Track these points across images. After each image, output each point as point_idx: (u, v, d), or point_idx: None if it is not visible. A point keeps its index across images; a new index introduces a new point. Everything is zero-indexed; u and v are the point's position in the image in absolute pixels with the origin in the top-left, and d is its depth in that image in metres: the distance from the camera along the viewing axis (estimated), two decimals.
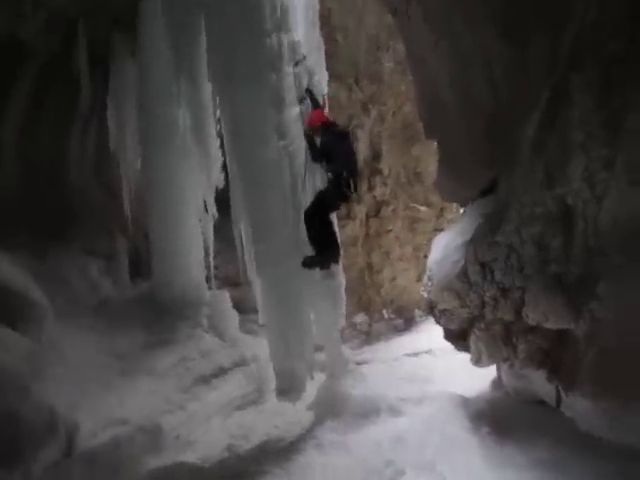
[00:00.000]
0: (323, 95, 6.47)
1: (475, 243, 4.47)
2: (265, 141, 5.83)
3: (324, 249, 5.82)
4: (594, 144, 3.32)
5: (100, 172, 8.81)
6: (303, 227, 5.80)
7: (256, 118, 5.85)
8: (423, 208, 11.19)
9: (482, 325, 4.64)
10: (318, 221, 5.81)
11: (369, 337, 10.74)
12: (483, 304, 4.50)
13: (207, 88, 6.63)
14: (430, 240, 10.60)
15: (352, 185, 5.79)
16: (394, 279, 11.11)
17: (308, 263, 5.78)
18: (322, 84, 6.52)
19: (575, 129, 3.44)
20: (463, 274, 4.55)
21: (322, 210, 5.88)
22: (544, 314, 3.99)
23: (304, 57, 6.29)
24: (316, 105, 6.16)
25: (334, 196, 5.86)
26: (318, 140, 5.97)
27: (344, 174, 5.75)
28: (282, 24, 6.18)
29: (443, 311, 4.93)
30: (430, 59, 6.23)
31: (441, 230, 10.89)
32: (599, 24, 3.30)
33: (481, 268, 4.39)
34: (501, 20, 4.70)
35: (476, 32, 5.22)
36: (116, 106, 8.32)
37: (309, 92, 6.18)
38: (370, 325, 10.90)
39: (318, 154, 5.88)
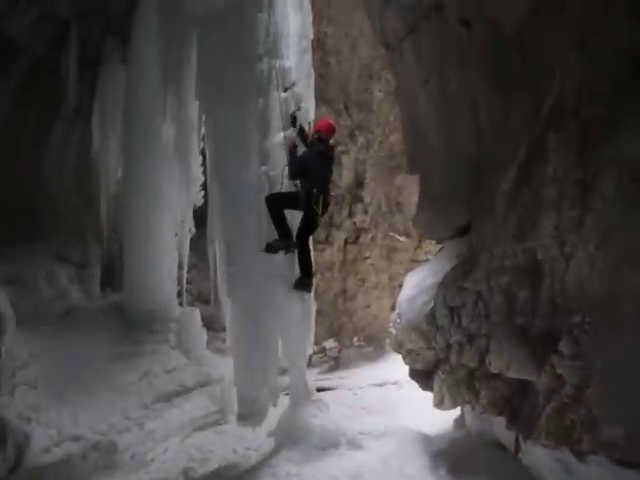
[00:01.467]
0: (309, 122, 6.49)
1: (445, 287, 4.49)
2: (247, 164, 5.83)
3: (286, 232, 5.80)
4: (566, 203, 3.37)
5: (79, 178, 8.70)
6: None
7: (240, 141, 5.86)
8: (402, 238, 11.26)
9: (447, 368, 4.66)
10: (275, 209, 5.79)
11: (338, 363, 10.74)
12: (449, 347, 4.51)
13: (194, 105, 6.63)
14: (407, 270, 10.73)
15: (321, 204, 5.80)
16: (367, 307, 11.14)
17: (271, 247, 5.74)
18: (309, 112, 6.54)
19: (549, 186, 3.49)
20: (431, 316, 4.57)
21: (283, 202, 5.85)
22: (507, 363, 4.00)
23: (293, 84, 6.32)
24: (300, 131, 6.18)
25: (300, 200, 5.82)
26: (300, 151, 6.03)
27: (314, 191, 5.76)
28: (274, 49, 6.22)
29: (410, 351, 4.94)
30: (419, 96, 6.30)
31: (418, 261, 11.01)
32: (580, 88, 3.37)
33: (449, 312, 4.40)
34: (490, 71, 4.80)
35: (465, 77, 5.32)
36: (101, 112, 8.26)
37: (293, 118, 6.20)
38: (340, 351, 10.90)
39: (296, 167, 5.87)
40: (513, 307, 3.96)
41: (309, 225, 5.94)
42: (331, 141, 6.40)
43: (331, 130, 6.25)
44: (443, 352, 4.60)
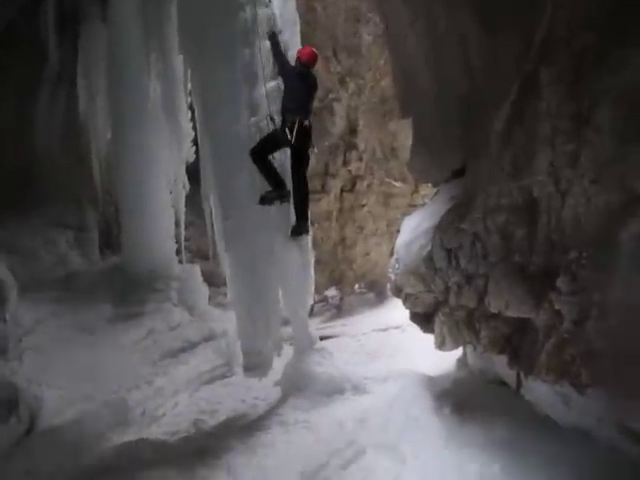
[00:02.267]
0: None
1: (442, 229, 4.49)
2: (236, 117, 5.73)
3: (278, 182, 5.73)
4: (560, 138, 3.32)
5: (69, 141, 8.57)
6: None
7: (228, 93, 5.74)
8: (398, 184, 11.18)
9: (446, 310, 4.69)
10: (260, 159, 5.69)
11: (340, 311, 10.84)
12: (448, 290, 4.54)
13: (178, 60, 6.48)
14: (404, 216, 10.71)
15: (296, 128, 5.59)
16: (367, 254, 11.16)
17: (266, 199, 5.69)
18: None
19: (543, 122, 3.43)
20: (429, 259, 4.58)
21: (265, 147, 5.73)
22: (506, 302, 4.03)
23: (280, 31, 6.16)
24: (276, 52, 6.03)
25: (279, 136, 5.70)
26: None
27: (288, 115, 5.64)
28: None
29: (409, 295, 4.97)
30: (408, 37, 6.14)
31: (415, 206, 10.98)
32: (571, 18, 3.27)
33: (447, 254, 4.41)
34: (478, 7, 4.65)
35: (453, 16, 5.16)
36: (86, 73, 8.08)
37: (273, 35, 6.06)
38: (342, 299, 10.99)
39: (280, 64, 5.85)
40: (510, 246, 3.96)
41: (296, 158, 5.79)
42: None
43: (311, 56, 6.05)
44: (442, 294, 4.63)
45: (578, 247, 3.38)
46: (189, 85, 6.54)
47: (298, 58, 6.01)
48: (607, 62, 3.08)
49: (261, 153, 5.71)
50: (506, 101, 3.88)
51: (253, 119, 5.77)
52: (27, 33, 7.91)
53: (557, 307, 3.63)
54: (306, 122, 5.73)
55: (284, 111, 5.72)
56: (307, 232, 6.08)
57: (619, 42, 3.05)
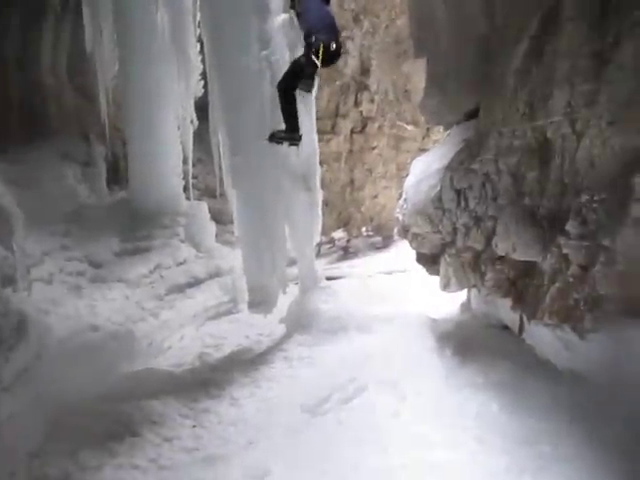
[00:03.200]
0: None
1: (452, 169, 4.42)
2: (246, 50, 5.59)
3: (294, 125, 5.35)
4: (579, 77, 3.21)
5: (75, 74, 8.40)
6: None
7: (238, 25, 5.58)
8: (409, 127, 11.03)
9: (453, 251, 4.68)
10: (287, 94, 5.27)
11: (347, 253, 10.89)
12: (455, 231, 4.52)
13: None
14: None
15: (320, 52, 5.05)
16: (375, 197, 11.12)
17: (275, 137, 5.40)
18: None
19: (562, 60, 3.30)
20: (438, 199, 4.53)
21: (294, 79, 5.33)
22: (513, 245, 4.01)
23: None
24: None
25: (304, 63, 5.24)
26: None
27: (313, 39, 5.12)
28: None
29: (416, 235, 4.95)
30: None
31: (426, 150, 10.83)
32: None
33: (456, 195, 4.36)
34: None
35: None
36: (92, 3, 7.79)
37: None
38: (349, 241, 11.02)
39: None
40: (521, 188, 3.91)
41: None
42: None
43: None
44: (449, 235, 4.60)
45: (590, 190, 3.32)
46: (198, 16, 6.33)
47: None
48: None
49: (291, 86, 5.32)
50: (525, 36, 3.74)
51: (264, 52, 5.61)
52: None
53: (565, 251, 3.61)
54: (333, 45, 5.19)
55: (308, 35, 5.21)
56: (309, 90, 5.67)
57: None
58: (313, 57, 5.08)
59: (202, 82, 6.83)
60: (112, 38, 7.82)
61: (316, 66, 5.16)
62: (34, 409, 3.94)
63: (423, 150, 10.80)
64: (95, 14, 7.75)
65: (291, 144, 5.54)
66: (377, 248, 10.97)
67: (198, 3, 6.15)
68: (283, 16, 5.80)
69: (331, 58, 5.24)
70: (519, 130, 3.79)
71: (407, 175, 5.92)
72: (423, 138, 11.08)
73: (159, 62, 7.12)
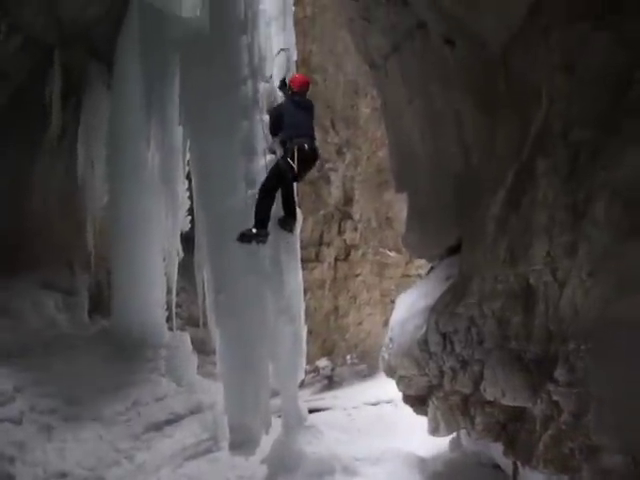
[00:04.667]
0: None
1: (437, 312, 4.41)
2: (233, 189, 5.76)
3: (263, 222, 5.59)
4: (557, 229, 3.30)
5: (65, 205, 8.59)
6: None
7: (226, 165, 5.80)
8: (392, 254, 11.20)
9: (440, 394, 4.57)
10: (268, 195, 5.62)
11: (331, 382, 10.63)
12: (442, 374, 4.43)
13: (178, 131, 6.56)
14: (398, 286, 10.64)
15: (295, 154, 5.47)
16: (360, 323, 11.05)
17: (244, 236, 5.56)
18: None
19: (539, 211, 3.42)
20: (424, 342, 4.48)
21: (276, 183, 5.68)
22: (502, 390, 3.93)
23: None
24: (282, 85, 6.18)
25: (283, 168, 5.60)
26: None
27: (289, 144, 5.54)
28: (259, 71, 6.16)
29: (402, 377, 4.86)
30: (404, 114, 6.27)
31: (410, 276, 10.95)
32: (567, 112, 3.32)
33: (441, 338, 4.32)
34: (475, 91, 4.78)
35: (450, 97, 5.30)
36: (86, 138, 8.17)
37: (283, 82, 6.19)
38: (333, 370, 10.79)
39: (272, 119, 5.84)
40: (507, 333, 3.88)
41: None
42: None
43: (303, 83, 6.10)
44: (436, 378, 4.52)
45: (576, 338, 3.30)
46: (187, 155, 6.59)
47: (290, 87, 6.04)
48: (602, 157, 3.10)
49: (272, 189, 5.67)
50: (502, 186, 3.89)
51: (250, 192, 5.78)
52: (33, 97, 8.03)
53: (555, 398, 3.53)
54: (307, 147, 5.61)
55: (285, 140, 5.64)
56: (291, 230, 5.97)
57: (614, 138, 3.08)
58: (289, 160, 5.45)
59: (189, 217, 6.99)
60: (103, 172, 8.10)
61: (292, 168, 5.48)
62: None
63: (407, 276, 10.96)
64: (89, 149, 8.08)
65: (259, 242, 5.64)
66: (363, 376, 10.73)
67: (188, 143, 6.43)
68: (269, 157, 6.03)
69: (307, 160, 5.61)
70: (501, 275, 3.84)
71: (392, 301, 5.92)
72: (406, 264, 11.22)
73: (148, 196, 7.33)
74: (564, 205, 3.29)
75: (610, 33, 3.17)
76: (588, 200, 3.12)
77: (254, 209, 5.57)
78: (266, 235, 5.62)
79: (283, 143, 5.65)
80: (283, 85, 6.18)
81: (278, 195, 5.83)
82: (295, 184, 6.05)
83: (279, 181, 5.71)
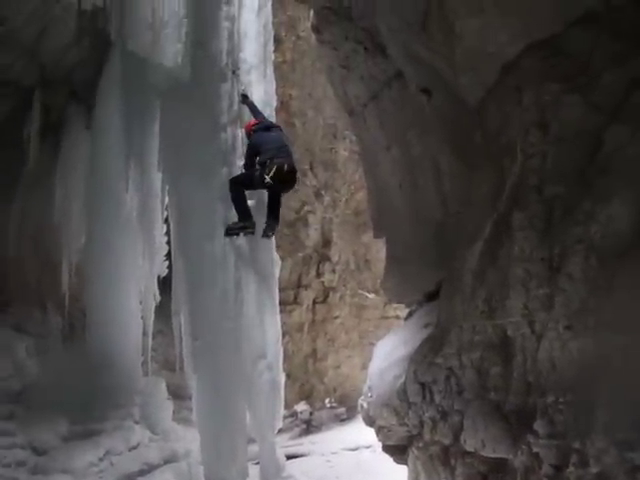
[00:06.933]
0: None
1: (416, 362, 4.40)
2: (211, 235, 5.75)
3: (246, 214, 5.71)
4: (534, 282, 3.35)
5: (40, 245, 8.45)
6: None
7: (204, 211, 5.81)
8: (371, 295, 11.21)
9: (420, 444, 4.52)
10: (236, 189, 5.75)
11: (310, 426, 10.49)
12: (422, 424, 4.39)
13: (157, 175, 6.55)
14: (377, 327, 10.63)
15: (272, 171, 5.58)
16: (338, 367, 10.99)
17: (230, 230, 5.71)
18: None
19: (516, 265, 3.46)
20: (402, 392, 4.45)
21: (243, 184, 5.84)
22: (482, 441, 3.89)
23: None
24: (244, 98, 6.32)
25: (256, 180, 5.75)
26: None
27: (269, 164, 5.65)
28: (238, 118, 6.24)
29: (382, 427, 4.80)
30: (382, 161, 6.36)
31: (388, 318, 10.95)
32: (541, 168, 3.40)
33: (421, 388, 4.30)
34: (452, 140, 4.87)
35: (428, 144, 5.40)
36: (64, 178, 8.09)
37: (244, 96, 6.30)
38: (311, 414, 10.65)
39: (248, 152, 5.94)
40: (486, 383, 3.87)
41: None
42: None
43: (252, 122, 6.22)
44: (416, 428, 4.47)
45: (554, 391, 3.30)
46: (166, 200, 6.58)
47: (249, 131, 6.15)
48: (575, 213, 3.17)
49: (240, 184, 5.81)
50: (479, 238, 3.94)
51: (227, 238, 5.77)
52: (11, 137, 7.97)
53: (535, 450, 3.50)
54: (286, 167, 5.72)
55: (265, 161, 5.72)
56: (272, 235, 6.07)
57: (586, 195, 3.16)
58: (265, 175, 5.57)
59: (167, 262, 6.93)
60: (81, 213, 8.01)
61: (264, 183, 5.62)
62: None
63: (385, 317, 10.95)
64: (66, 190, 8.00)
65: (246, 233, 5.76)
66: (341, 420, 10.62)
67: (167, 188, 6.42)
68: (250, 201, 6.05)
69: (285, 180, 5.75)
70: (479, 325, 3.85)
71: (371, 343, 5.88)
72: (385, 306, 11.24)
73: (125, 239, 7.24)
74: (540, 259, 3.33)
75: (580, 96, 3.28)
76: (564, 254, 3.17)
77: (232, 201, 5.74)
78: (253, 225, 5.73)
79: (262, 164, 5.72)
80: (245, 98, 6.32)
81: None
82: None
83: (247, 185, 5.86)
